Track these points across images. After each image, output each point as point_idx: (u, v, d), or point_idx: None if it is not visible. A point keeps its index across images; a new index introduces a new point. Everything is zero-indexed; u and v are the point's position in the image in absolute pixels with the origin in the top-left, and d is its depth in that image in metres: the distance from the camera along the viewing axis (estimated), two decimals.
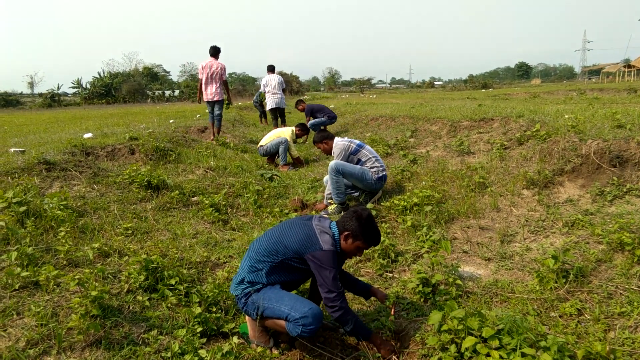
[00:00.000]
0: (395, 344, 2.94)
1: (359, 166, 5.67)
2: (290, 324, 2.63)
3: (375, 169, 5.66)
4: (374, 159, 5.75)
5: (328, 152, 6.03)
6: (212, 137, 10.22)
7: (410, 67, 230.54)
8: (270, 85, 12.17)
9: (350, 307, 3.48)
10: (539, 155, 5.77)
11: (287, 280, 2.86)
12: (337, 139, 5.95)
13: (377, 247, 4.16)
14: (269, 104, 12.32)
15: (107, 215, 4.86)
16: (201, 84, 9.91)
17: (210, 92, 9.84)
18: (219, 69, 9.79)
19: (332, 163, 5.53)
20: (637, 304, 2.97)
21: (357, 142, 5.90)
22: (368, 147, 5.91)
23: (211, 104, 10.01)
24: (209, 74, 9.76)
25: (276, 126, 12.26)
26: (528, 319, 2.82)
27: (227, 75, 10.19)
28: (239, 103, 30.48)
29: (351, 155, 5.79)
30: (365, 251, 3.12)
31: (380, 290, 3.22)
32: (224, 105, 10.51)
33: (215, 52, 9.87)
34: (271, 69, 12.55)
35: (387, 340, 2.90)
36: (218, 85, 9.82)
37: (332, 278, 2.68)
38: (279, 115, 12.53)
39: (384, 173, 5.73)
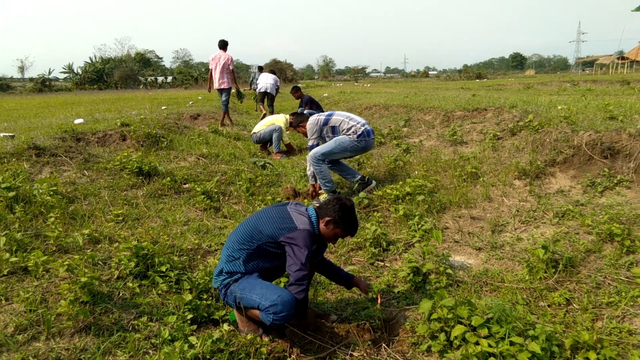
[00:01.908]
0: (384, 332, 2.96)
1: (330, 141, 5.50)
2: (263, 313, 2.60)
3: (352, 129, 5.43)
4: (347, 119, 5.51)
5: (307, 134, 5.89)
6: (221, 124, 11.49)
7: (404, 56, 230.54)
8: (267, 79, 13.67)
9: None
10: (531, 146, 5.79)
11: (266, 268, 2.82)
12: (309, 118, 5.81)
13: (369, 236, 4.17)
14: (260, 87, 13.62)
15: (98, 202, 4.83)
16: (211, 74, 11.04)
17: (219, 80, 10.93)
18: (227, 59, 10.88)
19: (309, 155, 5.49)
20: (625, 294, 3.00)
21: (326, 112, 5.73)
22: (338, 112, 5.71)
23: (220, 91, 11.14)
24: (218, 65, 10.87)
25: (264, 109, 13.65)
26: (517, 308, 2.84)
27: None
28: (232, 90, 30.24)
29: (324, 127, 5.63)
30: (340, 239, 3.11)
31: (363, 280, 3.20)
32: (239, 98, 12.41)
33: (223, 45, 11.02)
34: (272, 72, 14.09)
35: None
36: (226, 74, 10.93)
37: (304, 257, 2.64)
38: (267, 101, 13.86)
39: (364, 128, 5.44)
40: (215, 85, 11.02)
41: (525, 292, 3.26)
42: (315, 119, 5.69)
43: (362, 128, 5.46)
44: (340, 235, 2.94)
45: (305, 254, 2.65)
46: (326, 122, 5.63)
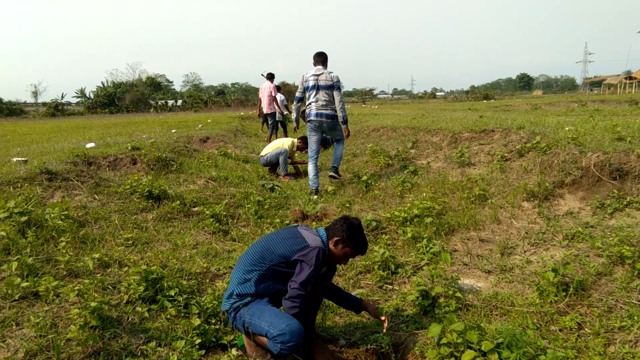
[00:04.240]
0: (393, 357, 2.93)
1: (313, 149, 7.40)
2: (270, 342, 2.59)
3: (307, 111, 7.23)
4: (309, 102, 7.15)
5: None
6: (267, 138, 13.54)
7: (412, 77, 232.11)
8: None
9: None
10: (540, 167, 5.78)
11: (276, 290, 2.82)
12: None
13: (377, 259, 4.16)
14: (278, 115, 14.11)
15: (108, 226, 4.87)
16: (260, 102, 13.20)
17: (265, 107, 12.93)
18: (270, 88, 12.87)
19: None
20: (637, 317, 2.96)
21: (310, 85, 7.06)
22: (313, 94, 7.05)
23: (267, 115, 13.13)
24: (265, 94, 12.89)
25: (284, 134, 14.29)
26: (528, 333, 2.81)
27: (275, 93, 13.14)
28: (241, 113, 30.60)
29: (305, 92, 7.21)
30: (350, 259, 3.10)
31: (371, 304, 3.17)
32: (285, 121, 14.23)
33: (270, 76, 13.14)
34: (278, 89, 14.55)
35: (324, 346, 2.93)
36: (270, 101, 12.90)
37: (306, 277, 2.64)
38: (280, 126, 14.30)
39: (308, 111, 7.17)
40: (265, 110, 12.97)
41: (535, 316, 3.22)
42: (303, 79, 7.20)
43: (310, 112, 7.14)
44: (350, 255, 2.95)
45: (309, 273, 2.66)
46: (306, 89, 7.16)
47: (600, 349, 2.73)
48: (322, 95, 7.03)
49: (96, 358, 2.65)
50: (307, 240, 2.80)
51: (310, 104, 7.12)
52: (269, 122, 13.34)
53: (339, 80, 7.14)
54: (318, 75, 7.04)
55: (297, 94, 7.25)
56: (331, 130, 7.35)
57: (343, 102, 7.21)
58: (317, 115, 7.06)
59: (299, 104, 7.37)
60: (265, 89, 12.97)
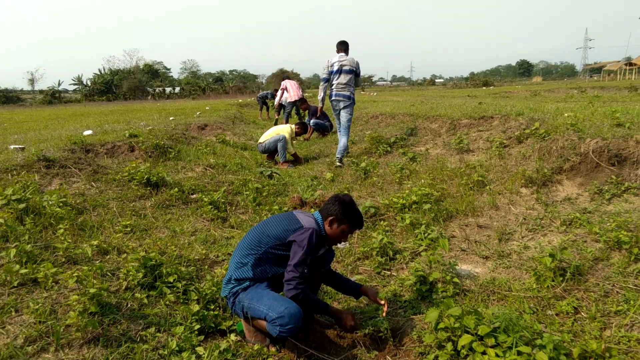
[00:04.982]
0: (391, 341, 2.95)
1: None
2: (269, 325, 2.61)
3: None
4: (332, 87, 8.10)
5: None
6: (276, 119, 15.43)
7: (411, 64, 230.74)
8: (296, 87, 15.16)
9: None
10: (538, 154, 5.78)
11: (274, 274, 2.83)
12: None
13: (375, 246, 4.17)
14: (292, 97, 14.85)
15: (106, 213, 4.87)
16: (282, 93, 14.26)
17: (294, 96, 13.77)
18: (297, 82, 14.25)
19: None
20: (633, 302, 2.98)
21: (335, 69, 7.99)
22: (336, 77, 8.01)
23: (292, 103, 14.03)
24: (293, 85, 14.00)
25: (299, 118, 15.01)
26: (524, 317, 2.82)
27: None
28: (239, 100, 30.47)
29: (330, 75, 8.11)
30: (349, 236, 3.11)
31: (370, 288, 3.19)
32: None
33: (287, 77, 14.61)
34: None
35: (343, 310, 2.96)
36: (300, 92, 13.94)
37: (300, 258, 2.67)
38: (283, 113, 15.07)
39: (332, 93, 8.11)
40: (294, 98, 13.84)
41: (532, 301, 3.24)
42: (327, 65, 8.11)
43: (332, 93, 8.15)
44: (348, 231, 2.96)
45: (302, 255, 2.68)
46: (330, 73, 8.06)
47: (596, 333, 2.75)
48: (343, 79, 8.03)
49: (95, 344, 2.67)
50: (301, 222, 2.82)
51: (332, 85, 8.13)
52: (290, 110, 14.24)
53: (358, 66, 8.16)
54: (342, 61, 8.02)
55: (324, 75, 8.21)
56: (344, 109, 8.20)
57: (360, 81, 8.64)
58: (336, 95, 8.13)
59: (325, 84, 8.24)
60: (291, 81, 14.22)
